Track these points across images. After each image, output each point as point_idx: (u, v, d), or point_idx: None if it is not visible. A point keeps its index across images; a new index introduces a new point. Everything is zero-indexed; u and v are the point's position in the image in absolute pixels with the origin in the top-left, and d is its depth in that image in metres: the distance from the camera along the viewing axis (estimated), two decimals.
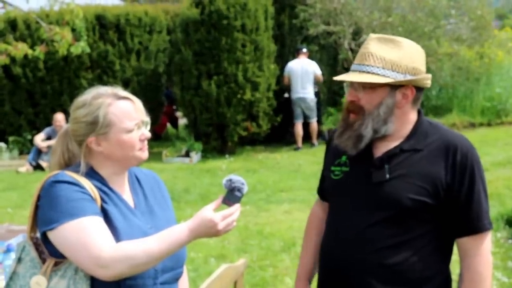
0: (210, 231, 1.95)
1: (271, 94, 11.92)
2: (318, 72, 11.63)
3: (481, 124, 12.82)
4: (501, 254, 5.71)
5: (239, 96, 11.36)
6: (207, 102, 11.42)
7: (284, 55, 12.49)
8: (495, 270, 5.28)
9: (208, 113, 11.51)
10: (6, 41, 10.07)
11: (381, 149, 2.19)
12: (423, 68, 2.17)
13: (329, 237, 2.29)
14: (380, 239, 2.12)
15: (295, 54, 11.99)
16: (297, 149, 11.84)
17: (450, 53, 13.10)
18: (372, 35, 2.19)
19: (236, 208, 1.99)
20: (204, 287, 2.89)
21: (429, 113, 13.17)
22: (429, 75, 2.18)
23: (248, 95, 11.38)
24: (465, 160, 2.12)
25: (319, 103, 11.94)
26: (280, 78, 11.96)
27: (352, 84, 2.18)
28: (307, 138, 11.91)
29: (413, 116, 2.21)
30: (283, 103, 12.09)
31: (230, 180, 2.02)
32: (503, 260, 5.53)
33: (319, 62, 12.16)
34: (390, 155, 2.16)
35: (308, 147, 11.90)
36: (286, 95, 12.05)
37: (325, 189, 2.41)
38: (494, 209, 7.00)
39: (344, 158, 2.26)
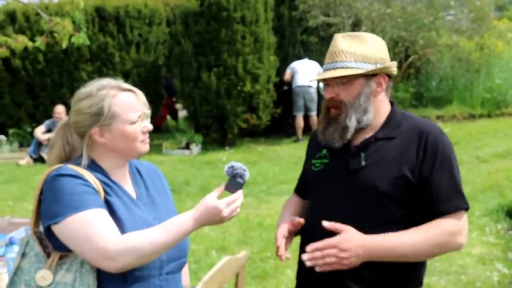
0: (215, 219, 1.96)
1: (271, 86, 11.90)
2: (321, 71, 11.66)
3: (481, 116, 12.81)
4: (501, 245, 5.72)
5: (239, 88, 11.34)
6: (207, 94, 11.41)
7: (284, 47, 12.48)
8: (496, 261, 5.30)
9: (208, 105, 11.50)
10: (5, 33, 10.05)
11: (358, 140, 2.29)
12: (388, 57, 2.32)
13: (309, 224, 2.37)
14: (359, 225, 2.16)
15: (297, 58, 12.05)
16: (297, 140, 11.86)
17: (450, 44, 13.10)
18: (337, 35, 2.32)
19: (239, 194, 2.02)
20: (206, 279, 2.90)
21: (429, 104, 13.16)
22: (395, 63, 2.31)
23: (248, 87, 11.37)
24: (436, 143, 2.20)
25: (318, 95, 11.93)
26: (280, 70, 11.95)
27: (329, 82, 2.29)
28: (307, 130, 11.91)
29: (386, 107, 2.33)
30: (283, 95, 12.08)
31: (232, 167, 2.06)
32: (503, 251, 5.55)
33: (319, 54, 12.14)
34: (365, 144, 2.26)
35: (308, 139, 11.87)
36: (285, 87, 12.04)
37: (306, 181, 2.53)
38: (495, 201, 7.01)
39: (324, 151, 2.39)
